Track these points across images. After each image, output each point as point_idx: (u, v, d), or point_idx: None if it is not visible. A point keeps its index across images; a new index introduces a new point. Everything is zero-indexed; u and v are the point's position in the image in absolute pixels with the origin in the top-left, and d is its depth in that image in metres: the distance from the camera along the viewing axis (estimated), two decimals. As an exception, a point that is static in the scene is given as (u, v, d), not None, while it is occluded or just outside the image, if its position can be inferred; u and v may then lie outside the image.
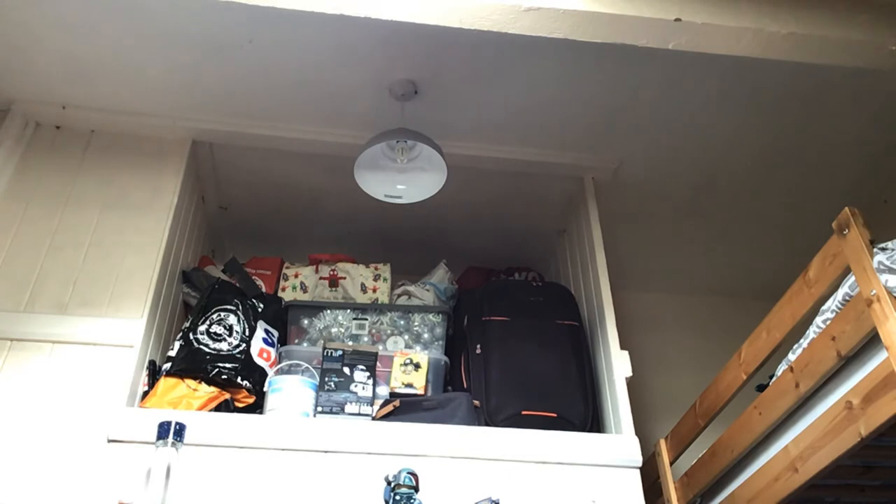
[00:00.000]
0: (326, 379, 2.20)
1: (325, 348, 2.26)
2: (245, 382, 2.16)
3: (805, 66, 2.09)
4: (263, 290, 2.60)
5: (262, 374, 2.24)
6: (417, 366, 2.26)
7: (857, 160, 2.73)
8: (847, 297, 1.61)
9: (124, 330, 2.11)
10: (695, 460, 2.21)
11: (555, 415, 2.16)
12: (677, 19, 1.92)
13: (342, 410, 2.15)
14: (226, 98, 2.48)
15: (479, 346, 2.34)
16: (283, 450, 1.95)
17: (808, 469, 1.65)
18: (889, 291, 1.46)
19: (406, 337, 2.43)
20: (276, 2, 1.90)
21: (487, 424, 2.14)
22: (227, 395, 2.13)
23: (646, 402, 2.85)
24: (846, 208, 1.62)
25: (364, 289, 2.63)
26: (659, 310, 3.37)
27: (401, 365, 2.26)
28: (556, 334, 2.37)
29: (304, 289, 2.65)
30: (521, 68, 2.33)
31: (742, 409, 1.93)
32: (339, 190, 2.72)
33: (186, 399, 2.07)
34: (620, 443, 2.10)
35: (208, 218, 2.96)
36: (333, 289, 2.64)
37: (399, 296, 2.63)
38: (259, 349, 2.28)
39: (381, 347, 2.36)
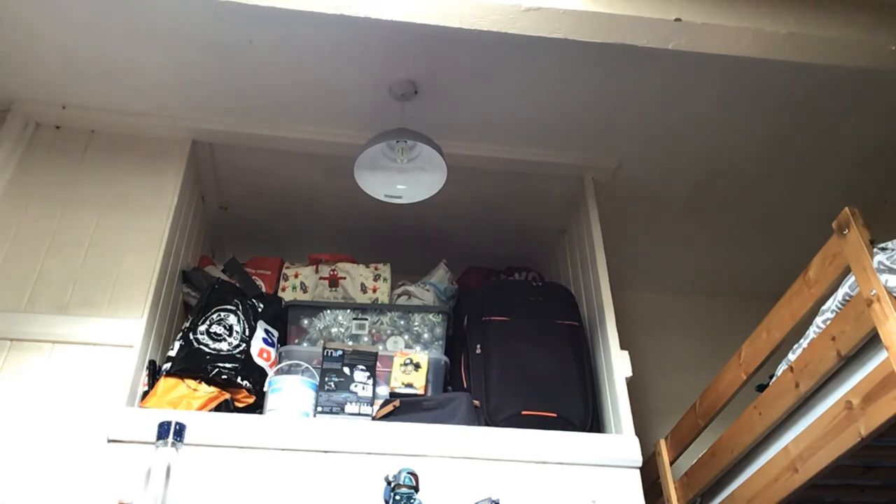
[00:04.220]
0: (326, 379, 2.20)
1: (325, 348, 2.26)
2: (245, 382, 2.16)
3: (805, 66, 2.09)
4: (263, 290, 2.60)
5: (262, 374, 2.24)
6: (417, 366, 2.26)
7: (857, 160, 2.73)
8: (847, 297, 1.61)
9: (124, 330, 2.11)
10: (695, 460, 2.21)
11: (555, 415, 2.16)
12: (677, 19, 1.91)
13: (342, 410, 2.15)
14: (226, 98, 2.48)
15: (479, 346, 2.34)
16: (283, 450, 1.95)
17: (808, 469, 1.65)
18: (889, 291, 1.46)
19: (406, 337, 2.43)
20: (276, 2, 1.89)
21: (487, 424, 2.14)
22: (227, 395, 2.14)
23: (646, 402, 2.85)
24: (846, 208, 1.62)
25: (364, 289, 2.63)
26: (659, 310, 3.37)
27: (401, 365, 2.26)
28: (556, 334, 2.37)
29: (304, 289, 2.65)
30: (522, 68, 2.33)
31: (742, 409, 1.93)
32: (339, 190, 2.72)
33: (186, 399, 2.07)
34: (620, 443, 2.10)
35: (208, 218, 2.96)
36: (333, 289, 2.63)
37: (399, 296, 2.63)
38: (259, 349, 2.28)
39: (381, 347, 2.36)
